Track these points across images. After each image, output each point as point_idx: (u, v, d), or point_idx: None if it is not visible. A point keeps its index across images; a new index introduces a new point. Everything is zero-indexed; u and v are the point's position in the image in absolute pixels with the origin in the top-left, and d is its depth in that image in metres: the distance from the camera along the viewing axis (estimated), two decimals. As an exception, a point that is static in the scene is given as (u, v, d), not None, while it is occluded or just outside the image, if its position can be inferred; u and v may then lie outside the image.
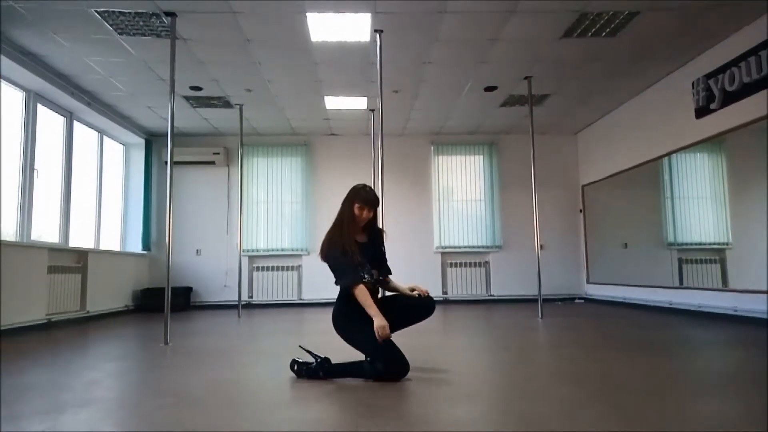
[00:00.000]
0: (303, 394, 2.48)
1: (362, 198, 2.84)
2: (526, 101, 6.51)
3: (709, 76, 5.54)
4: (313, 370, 2.74)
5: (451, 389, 2.54)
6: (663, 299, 6.47)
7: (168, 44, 4.76)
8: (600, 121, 8.12)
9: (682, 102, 6.01)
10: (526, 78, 6.18)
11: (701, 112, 5.70)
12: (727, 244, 5.57)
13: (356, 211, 2.84)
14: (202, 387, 2.64)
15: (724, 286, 5.52)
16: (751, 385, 2.49)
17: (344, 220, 2.85)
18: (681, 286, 6.18)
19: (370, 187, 2.93)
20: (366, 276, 2.79)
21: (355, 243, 2.83)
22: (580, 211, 8.79)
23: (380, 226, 3.23)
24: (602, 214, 8.25)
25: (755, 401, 2.18)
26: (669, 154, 6.35)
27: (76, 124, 6.81)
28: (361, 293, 2.76)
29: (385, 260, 3.03)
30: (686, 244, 6.22)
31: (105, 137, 7.68)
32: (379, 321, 2.69)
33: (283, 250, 8.54)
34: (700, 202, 6.03)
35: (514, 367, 3.13)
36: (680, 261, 6.29)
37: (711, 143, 5.67)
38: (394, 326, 2.82)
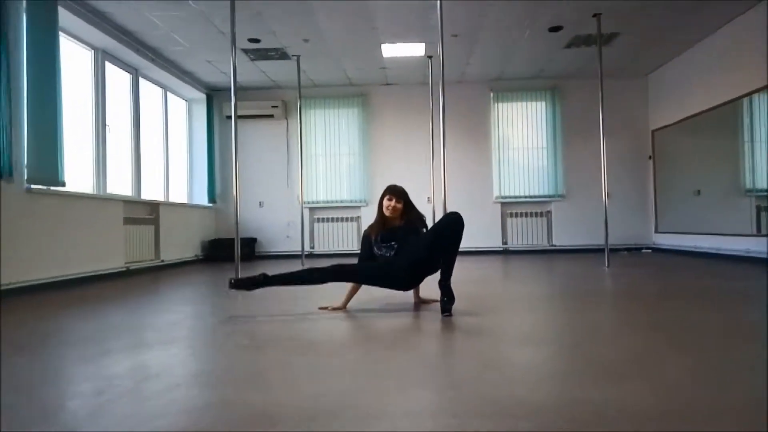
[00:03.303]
0: (368, 334, 2.54)
1: (385, 189, 3.38)
2: (594, 41, 6.14)
3: (802, 4, 5.04)
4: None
5: (520, 333, 2.54)
6: (739, 247, 6.14)
7: (227, -5, 4.76)
8: (673, 61, 7.59)
9: (764, 38, 5.51)
10: (594, 15, 5.80)
11: (791, 45, 5.22)
12: (814, 189, 5.18)
13: (384, 201, 3.33)
14: (275, 330, 2.76)
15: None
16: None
17: (377, 214, 3.40)
18: (759, 234, 5.85)
19: (397, 185, 3.39)
20: (388, 253, 3.27)
21: (381, 228, 3.33)
22: (650, 157, 8.38)
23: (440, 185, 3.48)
24: (673, 160, 7.82)
25: None
26: (749, 94, 5.88)
27: (141, 80, 7.01)
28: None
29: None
30: (767, 190, 5.83)
31: (168, 93, 7.89)
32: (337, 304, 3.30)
33: (342, 201, 8.66)
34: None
35: (583, 313, 3.09)
36: (758, 208, 5.92)
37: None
38: (437, 252, 3.09)
